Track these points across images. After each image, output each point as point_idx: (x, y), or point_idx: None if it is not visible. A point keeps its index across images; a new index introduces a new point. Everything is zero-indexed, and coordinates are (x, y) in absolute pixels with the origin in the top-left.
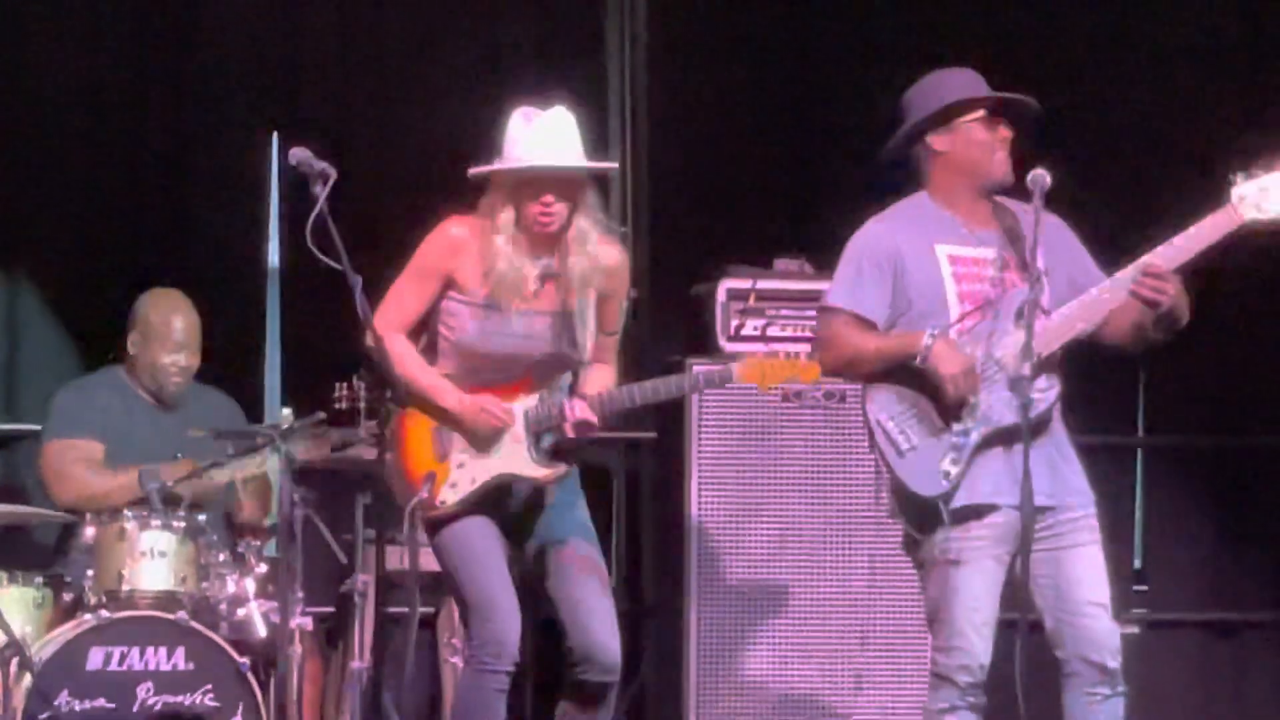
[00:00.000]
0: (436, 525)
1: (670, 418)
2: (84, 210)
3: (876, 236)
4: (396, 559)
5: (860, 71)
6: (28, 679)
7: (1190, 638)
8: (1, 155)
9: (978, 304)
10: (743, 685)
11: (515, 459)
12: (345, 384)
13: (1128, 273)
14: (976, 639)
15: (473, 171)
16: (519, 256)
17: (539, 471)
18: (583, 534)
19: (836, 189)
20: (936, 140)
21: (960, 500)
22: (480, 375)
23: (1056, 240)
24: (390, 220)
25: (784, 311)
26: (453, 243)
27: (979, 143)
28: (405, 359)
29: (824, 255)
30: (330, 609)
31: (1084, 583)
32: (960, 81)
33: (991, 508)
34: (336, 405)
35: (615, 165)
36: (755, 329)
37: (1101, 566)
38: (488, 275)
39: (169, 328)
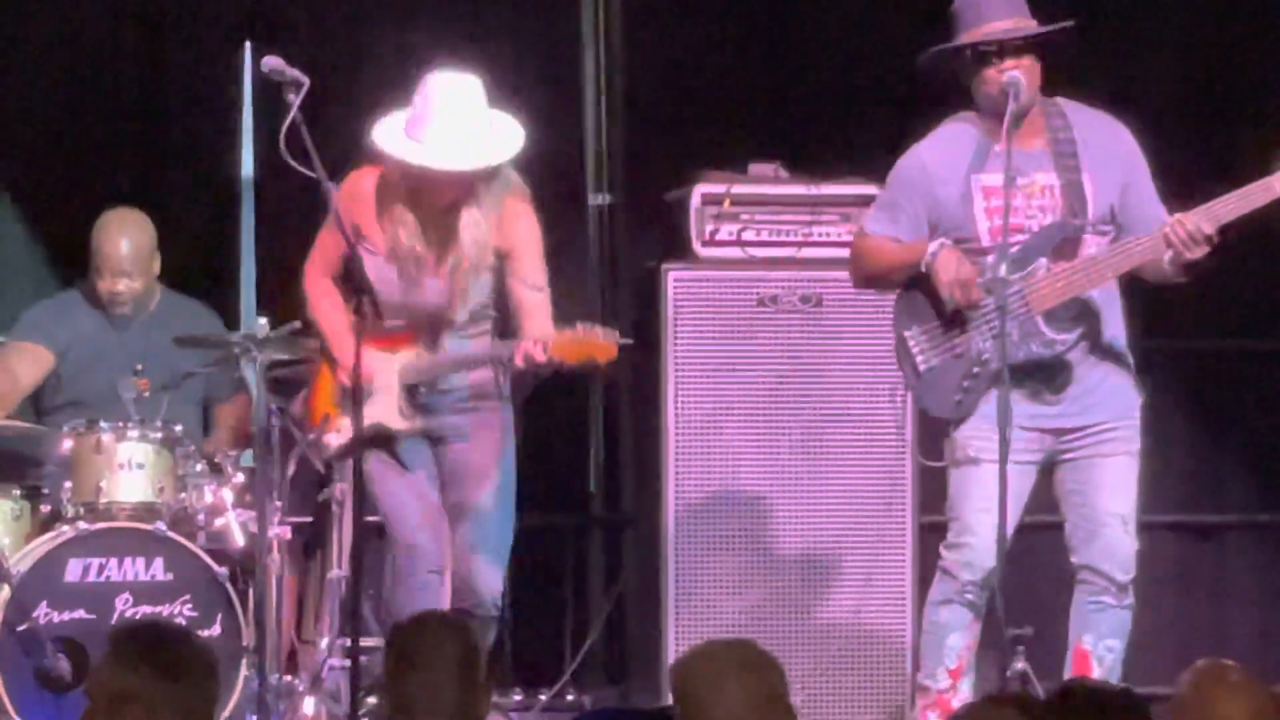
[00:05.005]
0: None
1: (646, 325)
2: (57, 122)
3: (913, 168)
4: None
5: None
6: (6, 591)
7: (1171, 540)
8: None
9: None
10: (721, 590)
11: (380, 408)
12: None
13: (1163, 230)
14: (984, 539)
15: (378, 149)
16: (415, 225)
17: (399, 423)
18: (492, 496)
19: (812, 93)
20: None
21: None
22: (382, 321)
23: (1110, 144)
24: (363, 131)
25: (759, 216)
26: (354, 195)
27: (997, 87)
28: (318, 305)
29: (799, 160)
30: (308, 519)
31: (1106, 491)
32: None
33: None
34: None
35: (512, 154)
36: (730, 234)
37: (1128, 479)
38: (387, 234)
39: (114, 252)
